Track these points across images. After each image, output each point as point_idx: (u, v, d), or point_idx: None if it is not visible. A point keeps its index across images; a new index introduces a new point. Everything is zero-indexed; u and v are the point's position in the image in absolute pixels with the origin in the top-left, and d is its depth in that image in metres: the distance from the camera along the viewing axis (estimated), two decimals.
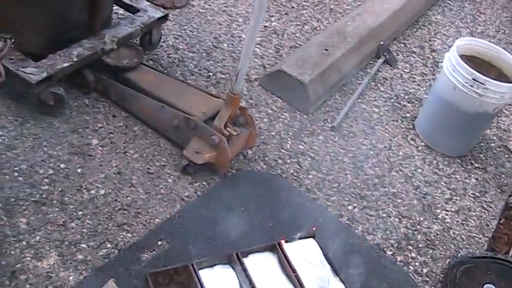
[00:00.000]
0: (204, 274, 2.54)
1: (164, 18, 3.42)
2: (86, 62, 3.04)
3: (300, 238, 2.82)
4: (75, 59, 2.98)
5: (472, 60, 3.62)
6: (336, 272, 2.74)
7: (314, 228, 2.83)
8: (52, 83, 2.93)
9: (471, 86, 3.41)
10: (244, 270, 2.59)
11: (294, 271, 2.66)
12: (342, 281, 2.72)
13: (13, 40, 2.95)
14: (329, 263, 2.77)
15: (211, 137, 2.91)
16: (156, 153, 3.04)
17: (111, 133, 3.06)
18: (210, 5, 4.14)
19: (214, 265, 2.62)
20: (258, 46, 3.88)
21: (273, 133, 3.39)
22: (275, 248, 2.74)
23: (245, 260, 2.63)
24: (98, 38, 3.13)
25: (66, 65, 2.95)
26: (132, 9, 3.40)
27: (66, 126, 3.03)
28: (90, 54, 3.04)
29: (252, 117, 3.07)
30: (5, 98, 3.08)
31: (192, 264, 2.53)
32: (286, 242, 2.76)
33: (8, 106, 3.05)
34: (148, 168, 2.96)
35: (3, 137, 2.90)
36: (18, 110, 3.04)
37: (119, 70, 3.15)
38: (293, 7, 4.43)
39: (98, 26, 3.13)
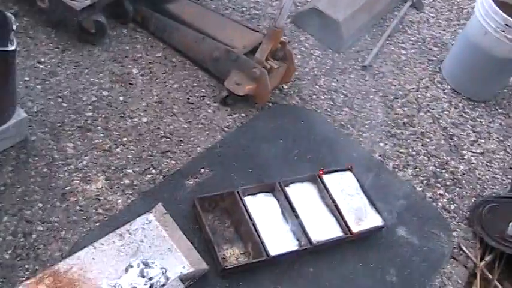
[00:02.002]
0: (248, 201, 2.59)
1: None
2: None
3: (337, 170, 2.87)
4: None
5: (505, 5, 3.62)
6: (372, 203, 2.80)
7: (350, 166, 2.88)
8: (95, 10, 2.92)
9: (503, 31, 3.43)
10: (287, 198, 2.64)
11: (333, 201, 2.72)
12: (379, 212, 2.78)
13: None
14: (365, 195, 2.83)
15: (253, 69, 2.93)
16: (195, 84, 3.07)
17: (151, 63, 3.08)
18: None
19: (257, 193, 2.67)
20: None
21: (307, 69, 3.42)
22: (315, 179, 2.79)
23: (287, 189, 2.68)
24: None
25: None
26: None
27: (106, 55, 3.04)
28: None
29: (291, 52, 3.10)
30: (44, 25, 3.08)
31: (238, 191, 2.57)
32: (324, 173, 2.81)
33: (48, 34, 3.05)
34: (188, 99, 2.99)
35: (45, 64, 2.91)
36: (58, 37, 3.05)
37: (159, 1, 3.14)
38: None
39: None
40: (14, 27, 2.25)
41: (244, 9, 3.56)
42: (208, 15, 3.20)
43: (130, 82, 2.96)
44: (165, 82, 3.02)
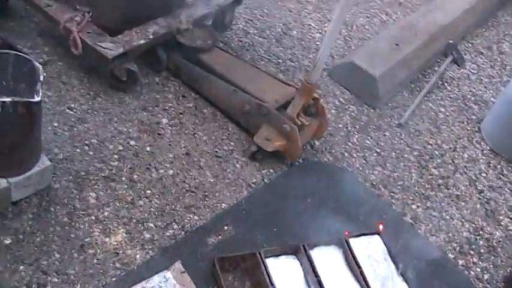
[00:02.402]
0: (270, 263, 2.51)
1: (238, 1, 3.39)
2: (161, 40, 3.03)
3: (365, 234, 2.78)
4: (150, 37, 2.97)
5: None
6: (400, 271, 2.69)
7: (381, 227, 2.78)
8: (127, 59, 2.91)
9: None
10: (310, 262, 2.55)
11: (358, 267, 2.62)
12: (406, 281, 2.67)
13: (91, 14, 2.94)
14: (393, 262, 2.72)
15: (283, 125, 2.87)
16: (225, 137, 3.02)
17: (181, 113, 3.05)
18: None
19: (280, 255, 2.59)
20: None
21: (340, 125, 3.34)
22: (341, 242, 2.70)
23: (311, 252, 2.59)
24: (174, 17, 3.10)
25: (142, 42, 2.94)
26: None
27: (136, 103, 3.02)
28: (165, 32, 3.03)
29: (323, 108, 3.04)
30: (78, 71, 3.08)
31: (259, 253, 2.50)
32: (351, 237, 2.72)
33: (81, 79, 3.05)
34: (217, 152, 2.94)
35: (74, 110, 2.90)
36: (91, 83, 3.04)
37: (192, 50, 3.12)
38: None
39: (174, 5, 3.11)
40: (41, 78, 2.23)
41: (280, 60, 3.52)
42: (240, 66, 3.16)
43: (159, 132, 2.92)
44: (194, 134, 2.97)
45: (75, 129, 2.83)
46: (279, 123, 2.89)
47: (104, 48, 2.84)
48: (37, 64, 2.27)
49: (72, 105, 2.92)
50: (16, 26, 3.25)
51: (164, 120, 2.99)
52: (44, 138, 2.68)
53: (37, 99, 2.19)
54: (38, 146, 2.47)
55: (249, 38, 3.59)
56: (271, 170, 2.96)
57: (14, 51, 2.30)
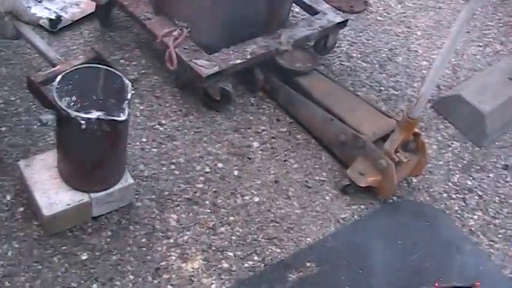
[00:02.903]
0: None
1: (343, 23, 3.24)
2: (259, 60, 2.92)
3: (458, 287, 2.55)
4: (248, 57, 2.87)
5: None
6: None
7: (473, 283, 2.54)
8: (222, 78, 2.82)
9: None
10: None
11: None
12: None
13: (189, 29, 2.87)
14: None
15: (379, 160, 2.70)
16: (317, 166, 2.87)
17: (273, 138, 2.93)
18: (388, 13, 3.90)
19: None
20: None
21: (441, 162, 3.12)
22: None
23: None
24: (274, 38, 2.99)
25: (238, 61, 2.84)
26: (311, 11, 3.24)
27: (228, 124, 2.93)
28: (264, 53, 2.92)
29: (424, 145, 2.84)
30: (171, 86, 3.02)
31: None
32: (442, 287, 2.50)
33: (174, 95, 2.99)
34: (307, 182, 2.80)
35: (165, 126, 2.84)
36: (184, 100, 2.98)
37: (291, 73, 3.00)
38: (476, 26, 4.10)
39: (275, 25, 3.00)
40: (129, 96, 2.17)
41: (382, 88, 3.33)
42: (340, 93, 3.01)
43: (249, 156, 2.82)
44: (285, 160, 2.85)
45: (163, 146, 2.76)
46: (375, 158, 2.71)
47: (198, 65, 2.76)
48: (127, 81, 2.21)
49: (163, 121, 2.86)
50: (116, 36, 3.24)
51: (255, 144, 2.88)
52: (131, 153, 2.63)
53: (123, 117, 2.13)
54: (122, 163, 2.42)
55: (352, 62, 3.43)
56: (363, 206, 2.78)
57: (105, 66, 2.26)
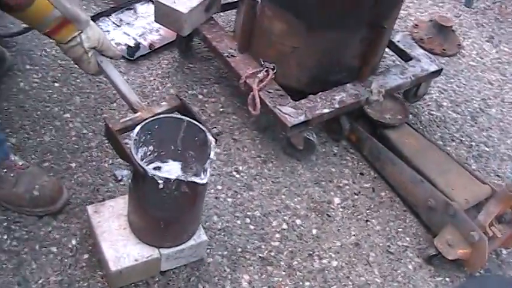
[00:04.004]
0: None
1: (438, 72, 3.00)
2: (347, 110, 2.72)
3: None
4: (336, 106, 2.67)
5: None
6: None
7: None
8: (307, 127, 2.63)
9: None
10: None
11: None
12: None
13: (275, 71, 2.69)
14: None
15: (471, 232, 2.46)
16: (401, 229, 2.66)
17: (356, 194, 2.72)
18: (482, 58, 3.64)
19: None
20: None
21: None
22: None
23: None
24: (364, 85, 2.78)
25: (326, 111, 2.65)
26: (404, 56, 3.02)
27: (309, 175, 2.73)
28: (352, 102, 2.71)
29: None
30: (251, 129, 2.85)
31: None
32: None
33: (253, 139, 2.82)
34: (389, 246, 2.59)
35: (242, 174, 2.67)
36: (263, 145, 2.80)
37: (379, 125, 2.78)
38: None
39: (367, 72, 2.79)
40: (212, 155, 2.00)
41: (472, 143, 3.09)
42: (431, 151, 2.78)
43: (329, 213, 2.62)
44: (367, 221, 2.64)
45: (239, 196, 2.59)
46: (467, 229, 2.48)
47: (283, 113, 2.58)
48: (210, 137, 2.04)
49: (240, 168, 2.69)
50: (195, 68, 3.08)
51: (336, 200, 2.68)
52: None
53: (204, 180, 1.95)
54: (196, 221, 2.26)
55: (441, 112, 3.19)
56: (447, 279, 2.56)
57: (188, 118, 2.09)
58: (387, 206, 2.72)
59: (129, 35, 3.09)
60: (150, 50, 3.04)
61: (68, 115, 2.73)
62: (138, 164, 1.94)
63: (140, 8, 3.27)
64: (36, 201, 2.32)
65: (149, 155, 2.19)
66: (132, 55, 2.97)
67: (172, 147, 2.20)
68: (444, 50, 3.49)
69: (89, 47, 2.14)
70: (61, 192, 2.38)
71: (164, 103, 2.18)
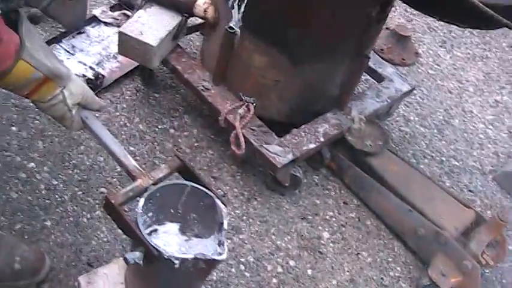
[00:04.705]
0: None
1: (411, 91, 2.96)
2: (330, 141, 2.64)
3: None
4: (321, 139, 2.59)
5: None
6: None
7: None
8: (294, 164, 2.53)
9: None
10: None
11: None
12: None
13: (255, 105, 2.57)
14: None
15: (464, 261, 2.47)
16: (390, 259, 2.64)
17: (343, 226, 2.67)
18: (439, 65, 3.65)
19: None
20: (489, 127, 3.38)
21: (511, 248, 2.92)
22: None
23: None
24: (344, 113, 2.71)
25: (312, 146, 2.56)
26: (376, 76, 2.95)
27: (295, 210, 2.65)
28: (335, 133, 2.63)
29: (504, 239, 2.62)
30: (229, 163, 2.72)
31: None
32: None
33: (233, 175, 2.69)
34: (382, 279, 2.57)
35: (229, 215, 2.53)
36: (244, 181, 2.68)
37: (360, 152, 2.73)
38: None
39: (347, 99, 2.72)
40: (225, 224, 1.87)
41: (443, 158, 3.10)
42: (414, 178, 2.76)
43: (320, 250, 2.55)
44: (358, 254, 2.60)
45: (229, 241, 2.47)
46: (459, 258, 2.49)
47: (271, 153, 2.46)
48: (221, 204, 1.90)
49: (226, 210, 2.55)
50: (161, 98, 2.89)
51: (325, 235, 2.62)
52: None
53: (224, 255, 1.82)
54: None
55: (410, 126, 3.18)
56: None
57: (192, 184, 1.94)
58: (374, 235, 2.69)
59: (85, 64, 2.86)
60: (111, 81, 2.82)
61: (32, 164, 2.49)
62: (151, 244, 1.79)
63: (92, 31, 3.02)
64: (18, 275, 2.11)
65: (148, 220, 2.02)
66: (94, 90, 2.73)
67: (172, 211, 2.05)
68: (403, 59, 3.46)
69: (73, 104, 1.92)
70: (43, 260, 2.18)
71: (164, 166, 2.01)
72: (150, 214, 1.99)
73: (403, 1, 2.43)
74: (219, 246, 1.86)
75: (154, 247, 1.78)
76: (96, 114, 2.05)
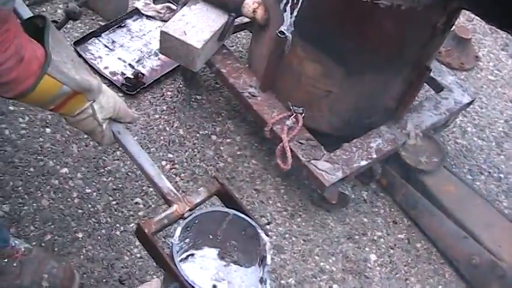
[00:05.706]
0: None
1: (470, 103, 2.74)
2: (384, 158, 2.45)
3: None
4: (373, 156, 2.40)
5: None
6: None
7: None
8: (343, 182, 2.35)
9: None
10: None
11: None
12: None
13: (303, 115, 2.39)
14: None
15: None
16: (441, 286, 2.45)
17: (391, 248, 2.49)
18: (499, 71, 3.40)
19: None
20: None
21: None
22: None
23: None
24: (399, 127, 2.51)
25: (363, 163, 2.38)
26: (434, 86, 2.74)
27: (341, 229, 2.48)
28: (389, 149, 2.44)
29: None
30: (273, 175, 2.55)
31: None
32: None
33: (277, 187, 2.53)
34: None
35: (271, 233, 2.38)
36: (289, 195, 2.52)
37: (414, 170, 2.53)
38: None
39: (404, 112, 2.52)
40: (269, 260, 1.72)
41: (501, 175, 2.88)
42: (471, 200, 2.55)
43: (366, 274, 2.38)
44: (406, 279, 2.42)
45: (272, 259, 2.30)
46: None
47: (319, 169, 2.28)
48: (264, 237, 1.74)
49: (268, 226, 2.40)
50: (204, 100, 2.74)
51: (372, 257, 2.44)
52: None
53: None
54: None
55: (467, 139, 2.96)
56: None
57: (234, 212, 1.78)
58: (424, 259, 2.50)
59: (124, 62, 2.71)
60: (151, 81, 2.66)
61: (66, 170, 2.36)
62: (188, 282, 1.64)
63: (133, 25, 2.86)
64: None
65: (184, 246, 1.88)
66: (133, 90, 2.59)
67: (211, 237, 1.90)
68: (462, 64, 3.23)
69: (103, 118, 1.76)
70: (73, 278, 2.05)
71: (202, 189, 1.85)
72: (187, 240, 1.85)
73: (476, 14, 2.21)
74: (261, 283, 1.72)
75: (191, 284, 1.64)
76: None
